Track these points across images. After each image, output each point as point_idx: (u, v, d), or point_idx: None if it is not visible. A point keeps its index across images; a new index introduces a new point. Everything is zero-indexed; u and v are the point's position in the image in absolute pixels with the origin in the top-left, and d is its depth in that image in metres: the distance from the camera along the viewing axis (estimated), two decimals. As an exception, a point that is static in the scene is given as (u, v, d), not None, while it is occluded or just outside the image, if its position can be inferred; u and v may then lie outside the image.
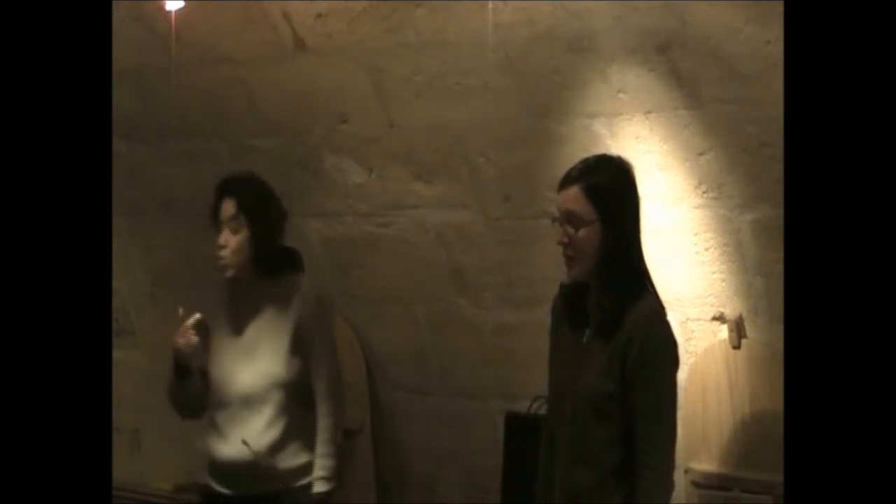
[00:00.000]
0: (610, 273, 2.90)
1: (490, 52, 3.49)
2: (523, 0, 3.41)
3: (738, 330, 3.47)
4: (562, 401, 3.01)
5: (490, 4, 3.41)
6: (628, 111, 3.48)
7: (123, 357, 4.71)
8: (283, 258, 3.62)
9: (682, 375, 3.09)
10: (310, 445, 3.55)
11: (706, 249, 3.50)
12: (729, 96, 3.29)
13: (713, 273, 3.50)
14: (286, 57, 3.92)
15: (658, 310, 2.95)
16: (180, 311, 3.52)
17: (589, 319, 2.96)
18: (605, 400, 2.88)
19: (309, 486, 3.53)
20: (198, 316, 3.48)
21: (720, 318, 3.51)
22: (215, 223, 3.56)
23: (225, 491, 3.60)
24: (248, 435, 3.52)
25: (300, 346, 3.54)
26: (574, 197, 2.89)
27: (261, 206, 3.55)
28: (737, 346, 3.48)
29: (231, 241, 3.52)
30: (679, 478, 2.98)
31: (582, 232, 2.88)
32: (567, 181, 2.92)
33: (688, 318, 3.55)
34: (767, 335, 3.44)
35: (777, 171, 3.07)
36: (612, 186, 2.90)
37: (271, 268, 3.57)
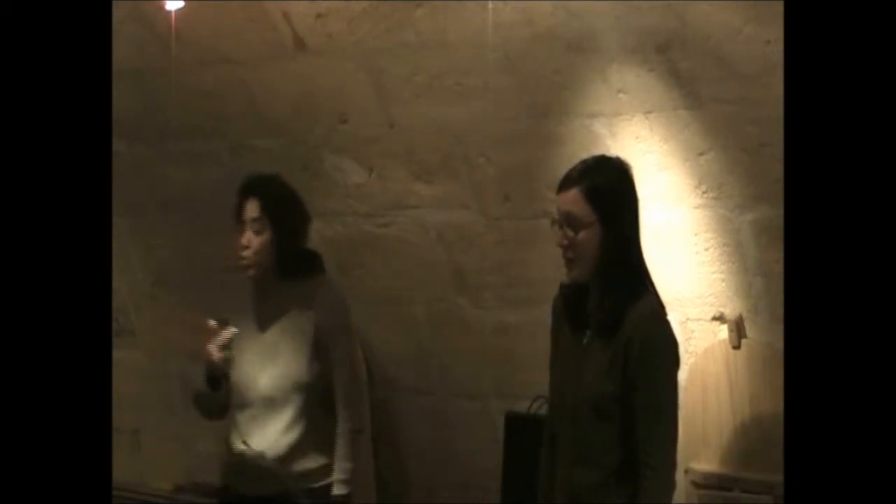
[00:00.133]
0: (610, 274, 2.90)
1: (490, 52, 3.49)
2: (523, 0, 3.41)
3: (738, 330, 3.47)
4: (563, 401, 3.02)
5: (490, 4, 3.41)
6: (628, 111, 3.48)
7: (123, 357, 4.71)
8: (305, 260, 3.63)
9: (682, 375, 3.08)
10: (328, 447, 3.56)
11: (706, 249, 3.50)
12: (729, 96, 3.29)
13: (713, 273, 3.50)
14: (286, 57, 3.92)
15: (658, 309, 2.96)
16: (211, 322, 3.54)
17: (589, 320, 2.96)
18: (606, 400, 2.89)
19: (326, 487, 3.54)
20: (234, 330, 3.50)
21: (720, 318, 3.50)
22: (238, 223, 3.56)
23: (245, 491, 3.61)
24: (268, 436, 3.54)
25: (320, 349, 3.55)
26: (573, 199, 2.89)
27: (284, 208, 3.56)
28: (737, 346, 3.48)
29: (253, 242, 3.53)
30: (679, 478, 2.98)
31: (582, 234, 2.88)
32: (566, 183, 2.92)
33: (688, 318, 3.55)
34: (767, 335, 3.43)
35: (777, 171, 3.07)
36: (611, 187, 2.90)
37: (293, 270, 3.57)
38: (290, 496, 3.57)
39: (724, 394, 3.50)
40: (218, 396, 3.60)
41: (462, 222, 3.93)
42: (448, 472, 4.20)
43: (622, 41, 3.37)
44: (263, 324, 3.59)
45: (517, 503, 3.71)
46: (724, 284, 3.49)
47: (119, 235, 4.56)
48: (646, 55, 3.35)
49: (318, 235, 4.22)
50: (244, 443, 3.58)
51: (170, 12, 3.71)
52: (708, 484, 3.49)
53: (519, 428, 3.76)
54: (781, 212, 2.58)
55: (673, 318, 3.14)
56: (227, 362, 3.53)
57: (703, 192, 3.45)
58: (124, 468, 4.57)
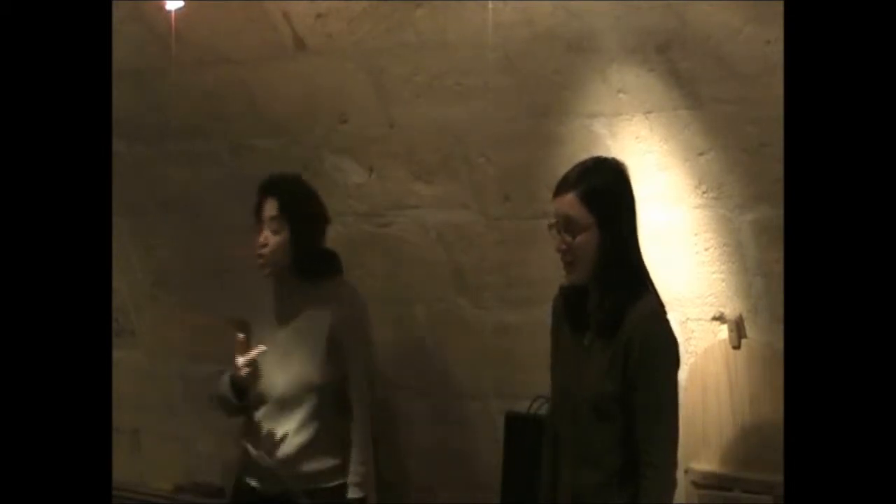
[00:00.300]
0: (609, 275, 2.91)
1: (490, 52, 3.49)
2: (523, 0, 3.40)
3: (738, 330, 3.47)
4: (565, 402, 3.02)
5: (490, 4, 3.41)
6: (628, 111, 3.48)
7: (123, 357, 4.71)
8: (322, 260, 3.64)
9: (682, 375, 3.09)
10: (341, 449, 3.57)
11: (706, 249, 3.50)
12: (729, 96, 3.29)
13: (713, 273, 3.50)
14: (286, 57, 3.91)
15: (658, 309, 2.96)
16: (240, 336, 3.56)
17: (590, 321, 2.96)
18: (607, 400, 2.89)
19: (339, 487, 3.55)
20: (263, 348, 3.52)
21: (720, 318, 3.50)
22: (257, 222, 3.58)
23: (259, 487, 3.62)
24: (279, 435, 3.57)
25: (336, 351, 3.57)
26: (570, 203, 2.90)
27: (303, 208, 3.58)
28: (737, 346, 3.48)
29: (271, 241, 3.55)
30: (679, 478, 2.98)
31: (580, 238, 2.89)
32: (562, 187, 2.93)
33: (688, 318, 3.55)
34: (767, 335, 3.43)
35: (777, 171, 3.07)
36: (607, 190, 2.91)
37: (310, 269, 3.59)
38: (292, 496, 3.58)
39: (724, 394, 3.50)
40: (242, 404, 3.64)
41: (462, 222, 3.93)
42: (448, 472, 4.20)
43: (622, 41, 3.37)
44: (280, 323, 3.61)
45: (517, 503, 3.71)
46: (724, 284, 3.49)
47: (119, 235, 4.56)
48: (646, 55, 3.35)
49: (319, 235, 4.23)
50: (247, 444, 3.60)
51: (170, 12, 3.71)
52: (708, 484, 3.49)
53: (519, 428, 3.76)
54: (781, 212, 2.58)
55: (673, 318, 3.15)
56: (253, 378, 3.55)
57: (703, 192, 3.45)
58: (124, 468, 4.57)
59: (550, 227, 2.96)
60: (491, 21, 3.42)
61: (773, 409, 3.35)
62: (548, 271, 3.19)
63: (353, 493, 3.56)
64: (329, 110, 4.00)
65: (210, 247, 4.50)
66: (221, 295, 4.49)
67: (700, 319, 3.54)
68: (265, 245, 3.55)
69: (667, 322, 2.98)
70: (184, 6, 3.69)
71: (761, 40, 3.14)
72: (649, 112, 3.45)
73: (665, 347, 2.93)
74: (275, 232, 3.55)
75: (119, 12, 3.28)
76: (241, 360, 3.53)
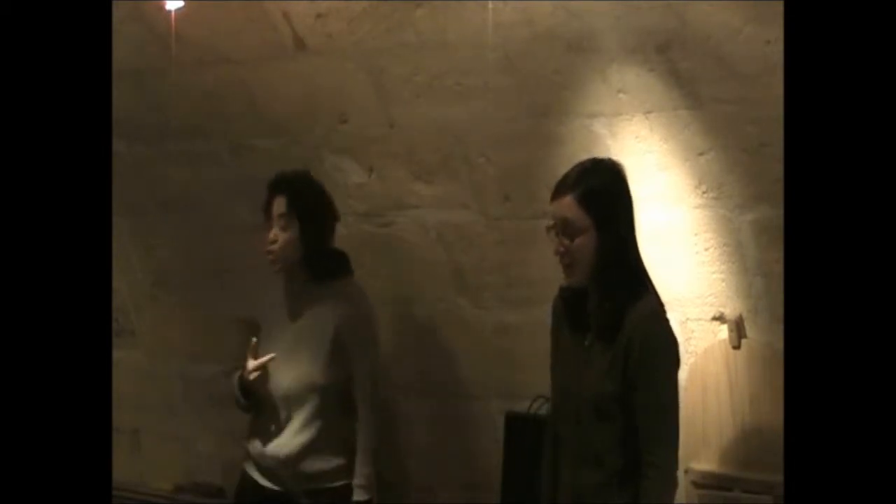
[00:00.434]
0: (608, 276, 2.91)
1: (490, 52, 3.49)
2: (523, 0, 3.40)
3: (738, 330, 3.47)
4: (565, 403, 3.02)
5: (490, 4, 3.41)
6: (628, 111, 3.48)
7: (123, 357, 4.71)
8: (332, 260, 3.67)
9: (682, 375, 3.09)
10: (344, 449, 3.59)
11: (706, 249, 3.50)
12: (729, 96, 3.28)
13: (713, 273, 3.50)
14: (286, 57, 3.91)
15: (658, 309, 2.96)
16: (253, 340, 3.60)
17: (590, 322, 2.96)
18: (608, 401, 2.89)
19: (342, 488, 3.56)
20: (272, 355, 3.56)
21: (720, 318, 3.50)
22: (266, 219, 3.61)
23: (265, 483, 3.64)
24: (283, 434, 3.60)
25: (341, 352, 3.58)
26: (567, 206, 2.90)
27: (311, 206, 3.60)
28: (737, 346, 3.48)
29: (280, 238, 3.58)
30: (679, 478, 2.98)
31: (578, 240, 2.89)
32: (559, 190, 2.93)
33: (688, 318, 3.55)
34: (767, 335, 3.43)
35: (777, 171, 3.07)
36: (604, 191, 2.91)
37: (320, 268, 3.61)
38: (293, 496, 3.59)
39: (724, 394, 3.50)
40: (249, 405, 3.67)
41: (462, 222, 3.93)
42: (448, 472, 4.20)
43: (622, 41, 3.37)
44: (287, 322, 3.62)
45: (517, 503, 3.71)
46: (724, 284, 3.49)
47: (119, 235, 4.56)
48: (646, 55, 3.35)
49: (319, 235, 4.23)
50: (251, 441, 3.62)
51: (170, 12, 3.71)
52: (708, 484, 3.49)
53: (519, 428, 3.76)
54: (781, 212, 2.58)
55: (673, 318, 3.15)
56: (261, 383, 3.58)
57: (703, 192, 3.45)
58: (124, 468, 4.57)
59: (549, 229, 2.97)
60: (491, 21, 3.42)
61: (773, 409, 3.35)
62: (548, 271, 3.19)
63: (358, 496, 3.56)
64: (329, 110, 4.00)
65: (210, 247, 4.50)
66: (223, 294, 4.50)
67: (700, 319, 3.54)
68: (274, 242, 3.58)
69: (667, 322, 2.98)
70: (184, 6, 3.69)
71: (761, 40, 3.14)
72: (649, 112, 3.45)
73: (665, 347, 2.93)
74: (283, 229, 3.57)
75: (119, 12, 3.28)
76: (251, 363, 3.55)
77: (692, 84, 3.33)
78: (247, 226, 4.25)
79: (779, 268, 3.32)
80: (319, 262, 3.61)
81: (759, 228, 3.38)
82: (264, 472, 3.64)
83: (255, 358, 3.56)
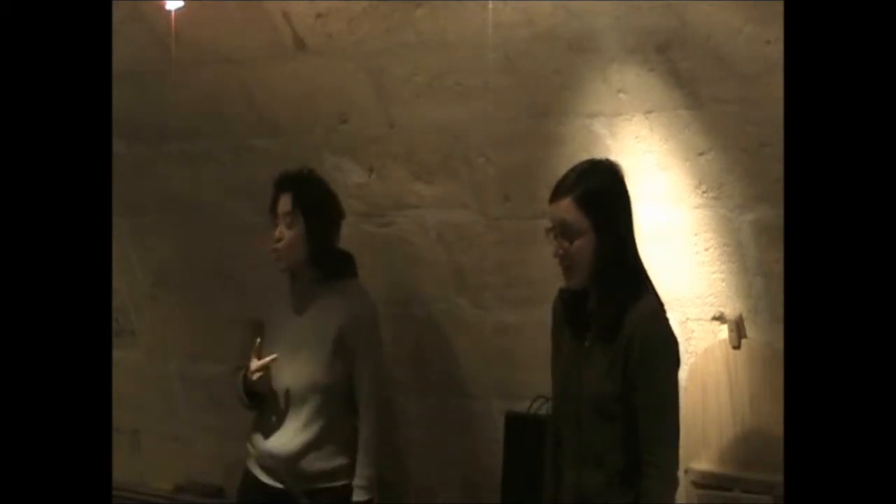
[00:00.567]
0: (608, 277, 2.91)
1: (490, 52, 3.49)
2: (523, 0, 3.40)
3: (738, 330, 3.47)
4: (566, 403, 3.02)
5: (490, 4, 3.41)
6: (628, 111, 3.48)
7: (123, 357, 4.71)
8: (337, 260, 3.69)
9: (682, 375, 3.09)
10: (346, 449, 3.59)
11: (706, 249, 3.50)
12: (729, 96, 3.28)
13: (713, 273, 3.50)
14: (286, 57, 3.91)
15: (657, 309, 2.96)
16: (257, 340, 3.60)
17: (590, 323, 2.96)
18: (609, 401, 2.89)
19: (343, 488, 3.56)
20: (274, 356, 3.57)
21: (720, 318, 3.50)
22: (272, 218, 3.64)
23: (267, 481, 3.66)
24: (284, 432, 3.60)
25: (344, 352, 3.58)
26: (566, 208, 2.90)
27: (317, 203, 3.63)
28: (737, 346, 3.47)
29: (286, 236, 3.60)
30: (679, 478, 2.98)
31: (577, 242, 2.89)
32: (557, 193, 2.93)
33: (688, 318, 3.55)
34: (767, 335, 3.43)
35: (777, 171, 3.07)
36: (602, 193, 2.91)
37: (326, 267, 3.63)
38: (293, 495, 3.59)
39: (724, 394, 3.50)
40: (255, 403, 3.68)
41: (462, 222, 3.93)
42: (448, 472, 4.20)
43: (622, 41, 3.36)
44: (291, 321, 3.63)
45: (517, 503, 3.71)
46: (724, 284, 3.49)
47: (119, 235, 4.56)
48: (646, 55, 3.35)
49: (319, 235, 4.22)
50: (253, 440, 3.63)
51: (170, 12, 3.71)
52: (708, 484, 3.49)
53: (519, 428, 3.76)
54: (781, 212, 2.58)
55: (673, 318, 3.15)
56: (264, 382, 3.59)
57: (703, 192, 3.45)
58: (124, 468, 4.57)
59: (548, 232, 2.97)
60: (491, 21, 3.42)
61: (773, 409, 3.35)
62: (548, 271, 3.19)
63: (358, 496, 3.57)
64: (329, 110, 4.00)
65: (210, 247, 4.50)
66: (223, 294, 4.50)
67: (700, 319, 3.54)
68: (280, 240, 3.60)
69: (666, 322, 2.98)
70: (184, 6, 3.69)
71: (761, 40, 3.14)
72: (649, 112, 3.45)
73: (665, 347, 2.93)
74: (289, 226, 3.60)
75: (119, 12, 3.28)
76: (254, 363, 3.56)
77: (692, 84, 3.33)
78: (247, 226, 4.26)
79: (779, 268, 3.32)
80: (325, 261, 3.63)
81: (759, 228, 3.38)
82: (266, 470, 3.65)
83: (259, 358, 3.57)
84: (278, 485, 3.63)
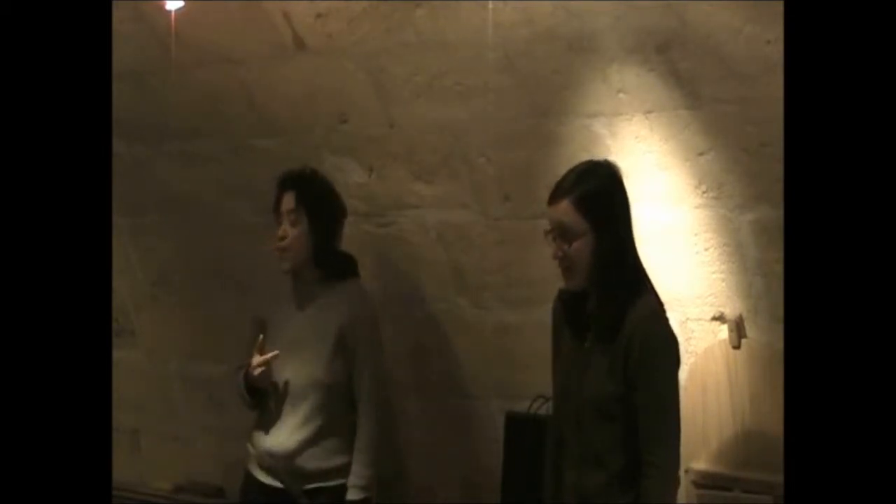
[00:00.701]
0: (607, 277, 2.91)
1: (490, 52, 3.49)
2: (523, 0, 3.40)
3: (738, 330, 3.47)
4: (567, 404, 3.02)
5: (490, 4, 3.41)
6: (628, 111, 3.48)
7: (123, 357, 4.71)
8: (339, 260, 3.70)
9: (682, 375, 3.09)
10: (345, 448, 3.60)
11: (706, 249, 3.49)
12: (729, 96, 3.28)
13: (713, 273, 3.50)
14: (286, 57, 3.91)
15: (657, 309, 2.96)
16: (260, 337, 3.62)
17: (590, 323, 2.96)
18: (609, 401, 2.89)
19: (342, 487, 3.57)
20: (276, 353, 3.58)
21: (720, 318, 3.50)
22: (276, 216, 3.65)
23: (265, 480, 3.67)
24: (282, 430, 3.61)
25: (343, 351, 3.59)
26: (564, 210, 2.90)
27: (320, 202, 3.65)
28: (737, 346, 3.47)
29: (290, 233, 3.62)
30: (680, 477, 2.98)
31: (575, 244, 2.90)
32: (555, 195, 2.94)
33: (688, 318, 3.55)
34: (767, 335, 3.43)
35: (777, 171, 3.06)
36: (600, 194, 2.92)
37: (328, 268, 3.65)
38: (293, 494, 3.59)
39: (724, 394, 3.49)
40: (257, 401, 3.69)
41: (462, 222, 3.93)
42: (448, 472, 4.20)
43: (622, 41, 3.36)
44: (292, 319, 3.64)
45: (517, 503, 3.71)
46: (724, 284, 3.49)
47: (119, 235, 4.56)
48: (646, 55, 3.35)
49: (319, 235, 4.22)
50: (251, 440, 3.63)
51: (170, 12, 3.71)
52: (708, 484, 3.49)
53: (519, 428, 3.76)
54: (781, 212, 2.58)
55: (673, 318, 3.15)
56: (264, 379, 3.60)
57: (703, 192, 3.45)
58: (124, 468, 4.57)
59: (546, 234, 2.97)
60: (491, 21, 3.42)
61: (773, 409, 3.35)
62: (548, 271, 3.19)
63: (352, 495, 3.57)
64: (329, 110, 4.00)
65: (210, 247, 4.50)
66: (223, 294, 4.50)
67: (700, 319, 3.54)
68: (284, 238, 3.62)
69: (666, 322, 2.99)
70: (184, 6, 3.69)
71: (761, 40, 3.14)
72: (649, 112, 3.45)
73: (665, 347, 2.93)
74: (293, 224, 3.62)
75: (119, 12, 3.28)
76: (255, 359, 3.57)
77: (692, 84, 3.33)
78: (247, 226, 4.26)
79: (779, 268, 3.32)
80: (327, 260, 3.65)
81: (759, 228, 3.38)
82: (266, 469, 3.66)
83: (261, 354, 3.57)
84: (278, 484, 3.63)
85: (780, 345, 3.28)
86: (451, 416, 4.16)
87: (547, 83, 3.56)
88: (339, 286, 3.66)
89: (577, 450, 2.99)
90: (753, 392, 3.45)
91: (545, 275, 3.35)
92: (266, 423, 3.66)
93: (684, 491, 3.43)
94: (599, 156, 3.22)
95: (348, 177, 4.06)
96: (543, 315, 3.20)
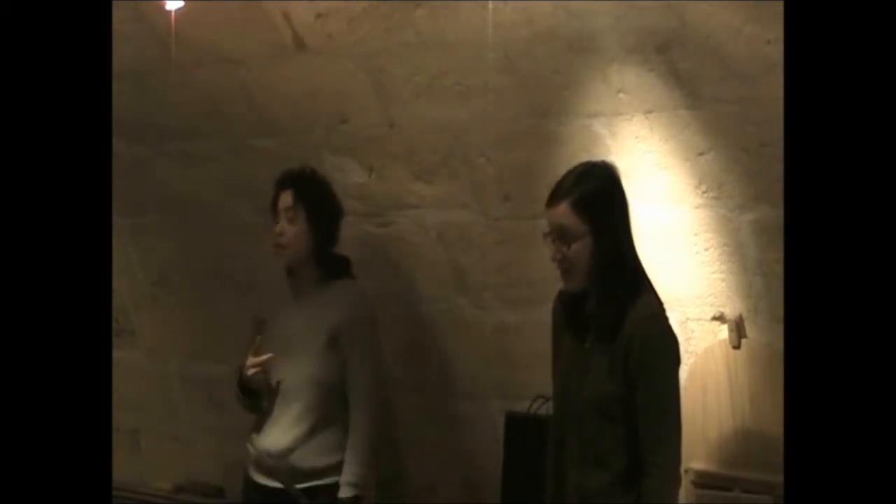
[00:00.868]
0: (607, 278, 2.91)
1: (490, 52, 3.49)
2: (523, 0, 3.40)
3: (738, 330, 3.47)
4: (568, 405, 3.02)
5: (490, 4, 3.41)
6: (628, 111, 3.48)
7: (123, 357, 4.71)
8: (336, 261, 3.72)
9: (682, 375, 3.09)
10: (341, 447, 3.59)
11: (706, 249, 3.49)
12: (729, 96, 3.28)
13: (713, 273, 3.50)
14: (286, 57, 3.91)
15: (657, 309, 2.97)
16: (258, 338, 3.63)
17: (590, 324, 2.96)
18: (610, 402, 2.90)
19: (335, 485, 3.57)
20: (270, 355, 3.59)
21: (720, 318, 3.50)
22: (273, 214, 3.68)
23: (261, 481, 3.68)
24: (277, 428, 3.62)
25: (339, 350, 3.59)
26: (563, 213, 2.91)
27: (317, 199, 3.68)
28: (737, 346, 3.47)
29: (287, 231, 3.64)
30: (681, 476, 2.98)
31: (574, 246, 2.90)
32: (554, 197, 2.94)
33: (688, 318, 3.55)
34: (767, 335, 3.43)
35: (777, 171, 3.06)
36: (599, 196, 2.92)
37: (325, 267, 3.67)
38: (292, 494, 3.59)
39: (724, 394, 3.49)
40: (254, 402, 3.70)
41: (462, 222, 3.93)
42: (448, 472, 4.19)
43: (622, 41, 3.36)
44: (288, 317, 3.65)
45: (517, 503, 3.71)
46: (724, 284, 3.49)
47: (119, 235, 4.56)
48: (646, 55, 3.35)
49: (319, 235, 4.22)
50: (249, 441, 3.64)
51: (170, 12, 3.71)
52: (708, 484, 3.49)
53: (519, 428, 3.76)
54: (781, 212, 2.58)
55: (673, 318, 3.15)
56: (259, 380, 3.61)
57: (703, 192, 3.45)
58: (124, 468, 4.57)
59: (545, 236, 2.98)
60: (491, 21, 3.41)
61: (773, 409, 3.35)
62: (548, 271, 3.18)
63: (343, 493, 3.57)
64: (329, 110, 4.00)
65: (210, 247, 4.50)
66: (223, 294, 4.50)
67: (700, 319, 3.54)
68: (282, 234, 3.63)
69: (666, 321, 2.99)
70: (184, 6, 3.69)
71: (761, 40, 3.14)
72: (649, 112, 3.45)
73: (665, 347, 2.93)
74: (291, 221, 3.64)
75: (119, 12, 3.28)
76: (250, 360, 3.58)
77: (692, 84, 3.33)
78: (247, 226, 4.26)
79: (779, 268, 3.32)
80: (324, 259, 3.67)
81: (759, 228, 3.38)
82: (264, 469, 3.66)
83: (256, 355, 3.58)
84: (276, 485, 3.63)
85: (780, 345, 3.27)
86: (451, 416, 4.16)
87: (547, 83, 3.56)
88: (335, 285, 3.67)
89: (577, 450, 2.99)
90: (753, 392, 3.45)
91: (545, 275, 3.35)
92: (263, 423, 3.66)
93: (684, 491, 3.43)
94: (599, 156, 3.22)
95: (348, 177, 4.06)
96: (543, 315, 3.20)
